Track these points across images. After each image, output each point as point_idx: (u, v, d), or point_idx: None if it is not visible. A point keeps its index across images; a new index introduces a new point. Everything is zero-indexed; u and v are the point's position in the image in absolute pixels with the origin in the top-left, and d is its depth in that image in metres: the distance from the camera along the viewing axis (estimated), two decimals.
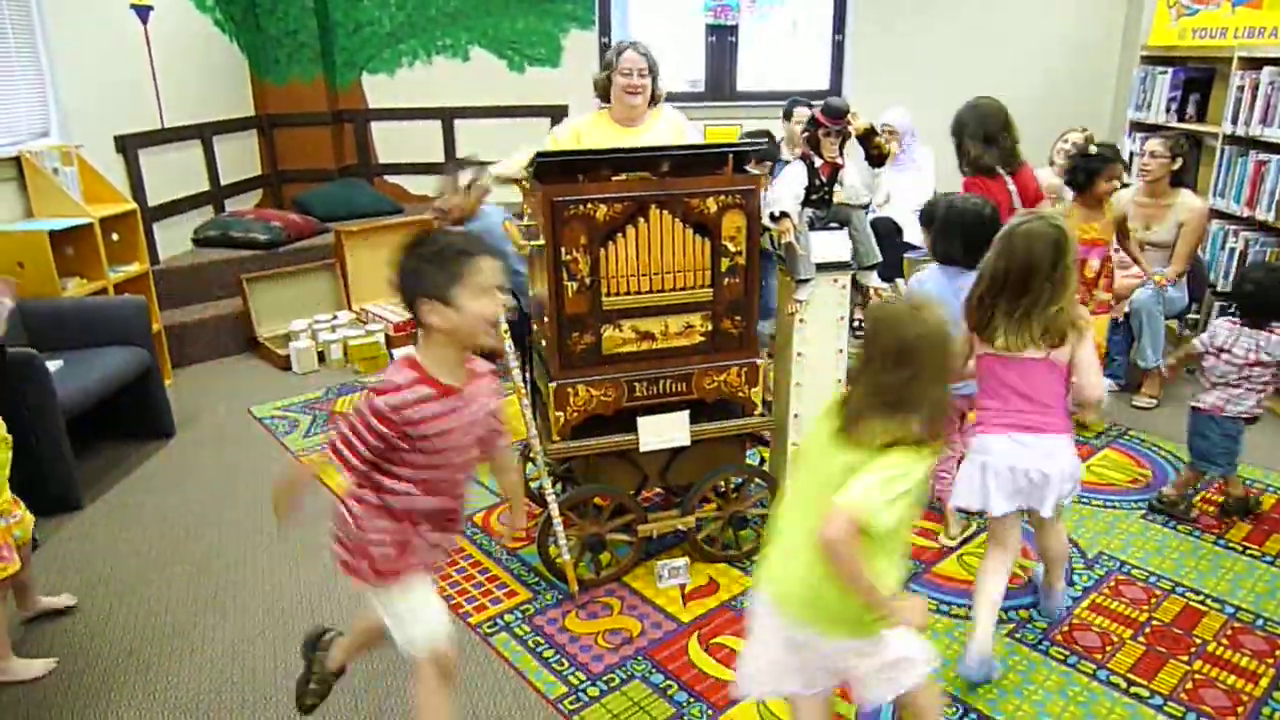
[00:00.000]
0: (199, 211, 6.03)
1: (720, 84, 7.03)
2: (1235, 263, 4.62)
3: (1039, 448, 2.44)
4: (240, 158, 6.56)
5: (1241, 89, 4.57)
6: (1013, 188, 3.72)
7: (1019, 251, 2.39)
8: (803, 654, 1.90)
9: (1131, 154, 5.68)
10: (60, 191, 4.39)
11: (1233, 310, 3.39)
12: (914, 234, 5.44)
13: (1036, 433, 2.44)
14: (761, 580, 1.95)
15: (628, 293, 2.79)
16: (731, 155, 2.87)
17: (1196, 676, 2.57)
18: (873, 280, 3.27)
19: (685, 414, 2.92)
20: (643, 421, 2.89)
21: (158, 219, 5.55)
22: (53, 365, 3.53)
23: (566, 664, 2.67)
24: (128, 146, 5.26)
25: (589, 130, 3.68)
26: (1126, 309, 4.40)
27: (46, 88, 4.74)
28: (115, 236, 4.65)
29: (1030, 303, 2.40)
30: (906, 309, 1.83)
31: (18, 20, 4.55)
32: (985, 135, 3.73)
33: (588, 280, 2.74)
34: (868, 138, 3.04)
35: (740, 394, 2.97)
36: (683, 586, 3.02)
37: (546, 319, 2.81)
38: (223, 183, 6.29)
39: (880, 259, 3.21)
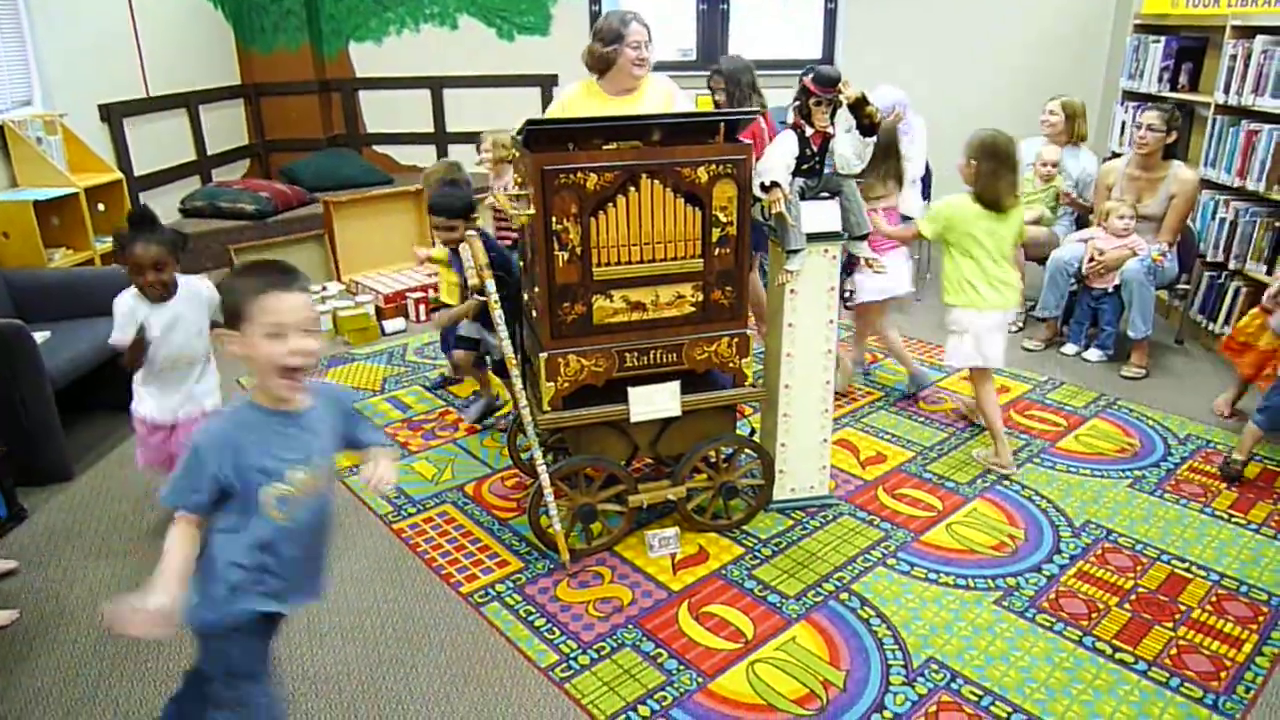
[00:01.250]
0: (185, 181, 5.98)
1: (712, 53, 6.97)
2: (1226, 233, 4.63)
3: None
4: (226, 127, 6.50)
5: (1234, 58, 4.55)
6: (764, 124, 4.21)
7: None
8: (1001, 330, 3.56)
9: (1124, 124, 5.67)
10: (44, 161, 4.35)
11: None
12: (906, 204, 5.42)
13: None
14: (988, 306, 3.49)
15: (618, 263, 2.78)
16: (723, 124, 2.85)
17: (1181, 643, 2.60)
18: (864, 251, 3.27)
19: (676, 384, 2.92)
20: (634, 392, 2.89)
21: (144, 189, 5.50)
22: (40, 336, 3.51)
23: (558, 633, 2.68)
24: (112, 115, 5.21)
25: (578, 102, 3.65)
26: (1117, 280, 4.42)
27: (29, 55, 4.68)
28: (101, 207, 4.61)
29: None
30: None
31: None
32: (751, 83, 4.29)
33: (578, 250, 2.73)
34: (859, 106, 3.02)
35: (731, 364, 2.98)
36: (673, 556, 3.03)
37: (537, 289, 2.80)
38: (209, 152, 6.24)
39: (871, 229, 3.20)
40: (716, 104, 4.36)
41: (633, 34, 3.49)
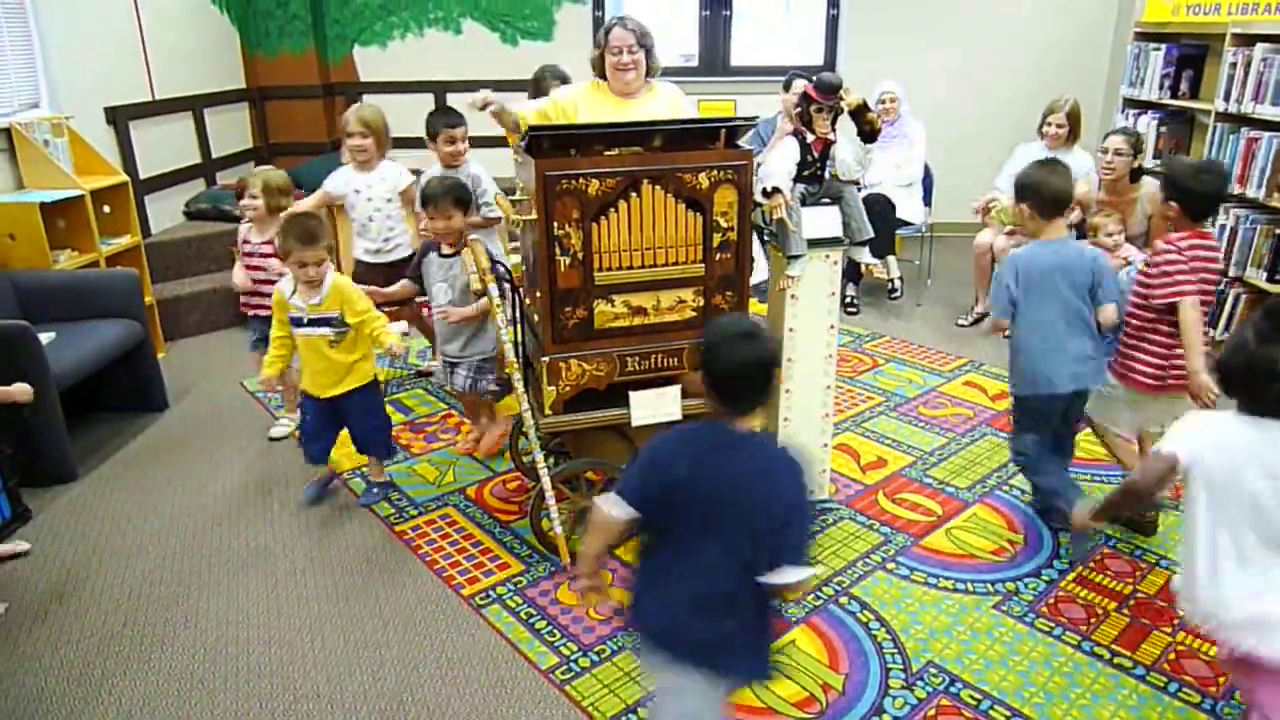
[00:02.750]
0: (190, 184, 6.00)
1: (714, 58, 7.00)
2: (1226, 240, 4.64)
3: None
4: (231, 130, 6.53)
5: (1234, 66, 4.57)
6: None
7: None
8: None
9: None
10: (51, 163, 4.37)
11: None
12: (906, 209, 5.45)
13: None
14: None
15: (620, 267, 2.79)
16: (724, 130, 2.87)
17: (1179, 648, 2.61)
18: (864, 256, 3.29)
19: (677, 388, 2.93)
20: (635, 396, 2.90)
21: (149, 191, 5.53)
22: (45, 337, 3.53)
23: (558, 635, 2.69)
24: (118, 118, 5.23)
25: (585, 99, 3.66)
26: None
27: (36, 59, 4.71)
28: (106, 209, 4.63)
29: None
30: None
31: None
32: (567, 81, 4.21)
33: (580, 255, 2.75)
34: (860, 113, 3.04)
35: None
36: None
37: (539, 293, 2.81)
38: (214, 155, 6.26)
39: (872, 235, 3.21)
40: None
41: (613, 40, 3.51)
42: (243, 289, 3.91)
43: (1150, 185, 4.43)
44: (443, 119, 3.94)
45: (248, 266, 3.88)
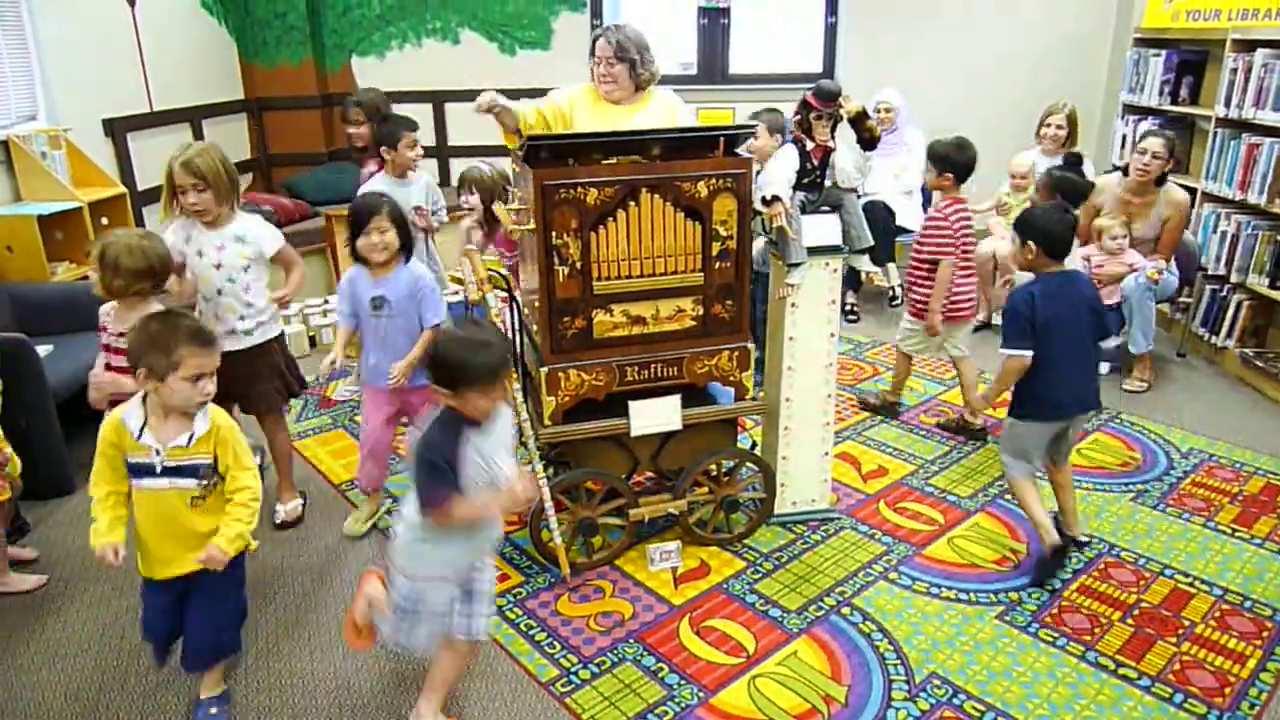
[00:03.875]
0: None
1: (713, 67, 7.00)
2: (1227, 247, 4.63)
3: None
4: (229, 141, 6.51)
5: (1235, 71, 4.57)
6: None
7: None
8: None
9: (1124, 137, 5.68)
10: (49, 175, 4.37)
11: None
12: (906, 217, 5.45)
13: None
14: None
15: (619, 277, 2.78)
16: (723, 139, 2.86)
17: (1184, 658, 2.59)
18: (864, 264, 3.27)
19: (677, 398, 2.92)
20: (634, 406, 2.89)
21: (147, 203, 5.51)
22: (43, 350, 3.52)
23: (558, 647, 2.67)
24: (116, 130, 5.23)
25: (581, 100, 3.66)
26: (1118, 296, 4.41)
27: (34, 71, 4.71)
28: (105, 220, 4.62)
29: None
30: None
31: (4, 2, 4.51)
32: (386, 114, 4.34)
33: (578, 264, 2.74)
34: (860, 121, 3.03)
35: (731, 378, 2.97)
36: (674, 570, 3.03)
37: (537, 304, 2.80)
38: None
39: (872, 243, 3.20)
40: (350, 135, 4.46)
41: (596, 50, 3.53)
42: (98, 404, 2.89)
43: (1171, 189, 4.41)
44: (404, 123, 3.94)
45: (108, 367, 2.93)
